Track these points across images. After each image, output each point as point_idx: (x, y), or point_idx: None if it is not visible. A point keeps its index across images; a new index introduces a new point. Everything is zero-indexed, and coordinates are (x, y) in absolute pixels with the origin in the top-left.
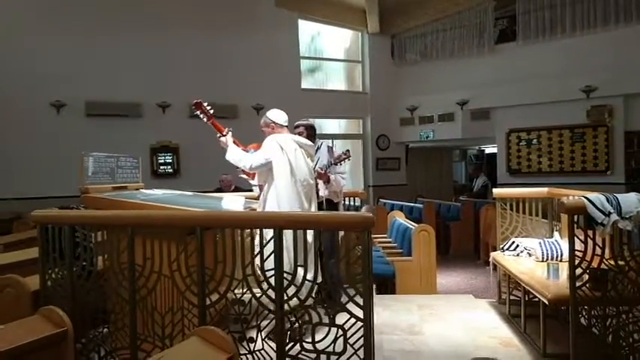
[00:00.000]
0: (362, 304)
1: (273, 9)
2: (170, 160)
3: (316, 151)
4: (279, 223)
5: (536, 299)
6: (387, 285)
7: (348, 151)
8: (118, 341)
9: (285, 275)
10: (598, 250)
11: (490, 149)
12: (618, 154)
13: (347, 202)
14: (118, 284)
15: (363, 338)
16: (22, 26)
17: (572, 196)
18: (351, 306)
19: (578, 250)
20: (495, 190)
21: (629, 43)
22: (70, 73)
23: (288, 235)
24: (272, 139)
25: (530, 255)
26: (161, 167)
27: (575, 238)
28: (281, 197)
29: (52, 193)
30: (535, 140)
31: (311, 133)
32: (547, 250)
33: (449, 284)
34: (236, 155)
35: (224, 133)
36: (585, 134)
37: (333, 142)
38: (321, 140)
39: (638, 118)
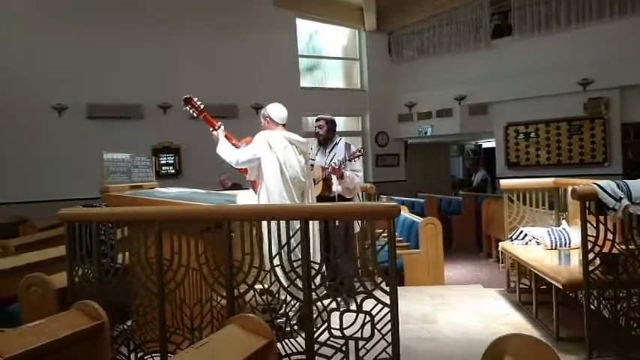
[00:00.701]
0: (388, 290)
1: (271, 8)
2: (172, 161)
3: (334, 146)
4: (308, 214)
5: (547, 286)
6: (395, 277)
7: (362, 148)
8: (147, 334)
9: (312, 265)
10: (609, 235)
11: (487, 144)
12: (615, 145)
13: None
14: (146, 279)
15: (390, 323)
16: (22, 29)
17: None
18: (377, 293)
19: (590, 236)
20: (502, 182)
21: (624, 36)
22: (70, 76)
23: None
24: (262, 136)
25: (538, 244)
26: (163, 168)
27: (587, 223)
28: (271, 195)
29: (55, 197)
30: (533, 133)
31: (331, 127)
32: (556, 238)
33: (455, 276)
34: (225, 149)
35: (216, 128)
36: (582, 127)
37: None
38: (340, 137)
39: (634, 109)
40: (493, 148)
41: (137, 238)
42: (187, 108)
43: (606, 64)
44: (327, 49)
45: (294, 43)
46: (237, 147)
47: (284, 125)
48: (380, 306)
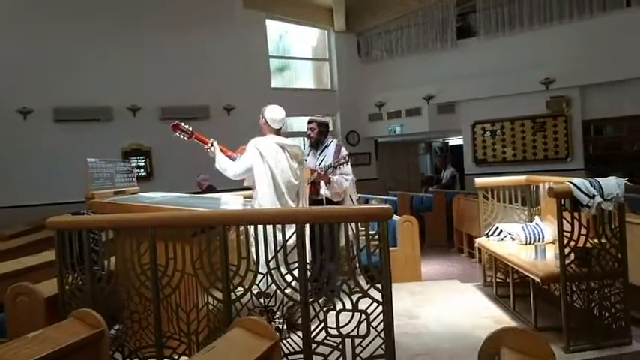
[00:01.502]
0: (382, 289)
1: (241, 10)
2: (143, 164)
3: (324, 149)
4: (304, 218)
5: (524, 279)
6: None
7: (349, 154)
8: (143, 340)
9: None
10: (583, 230)
11: (454, 141)
12: (577, 141)
13: None
14: (140, 284)
15: (384, 321)
16: None
17: (550, 182)
18: (372, 291)
19: (566, 231)
20: (477, 180)
21: (584, 37)
22: (36, 78)
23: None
24: (252, 145)
25: (513, 239)
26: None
27: (563, 220)
28: (264, 201)
29: (23, 202)
30: (499, 131)
31: (323, 130)
32: (530, 234)
33: (429, 272)
34: (222, 164)
35: (209, 146)
36: (546, 124)
37: (304, 139)
38: (332, 138)
39: (594, 107)
40: (460, 146)
41: (130, 245)
42: (177, 134)
43: (567, 64)
44: (296, 50)
45: (265, 43)
46: (233, 159)
47: (278, 130)
48: (374, 304)
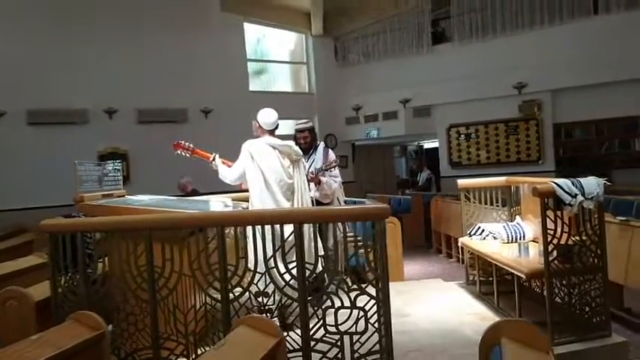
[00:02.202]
0: (380, 286)
1: (219, 13)
2: (119, 167)
3: (313, 151)
4: (301, 218)
5: (504, 278)
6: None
7: (338, 158)
8: (139, 342)
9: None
10: (565, 228)
11: (428, 144)
12: (548, 144)
13: None
14: (137, 286)
15: (382, 317)
16: None
17: (529, 182)
18: (370, 289)
19: (549, 229)
20: (459, 181)
21: (554, 43)
22: (9, 80)
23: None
24: (244, 148)
25: (495, 238)
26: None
27: (547, 218)
28: (254, 203)
29: None
30: (473, 134)
31: (314, 135)
32: (511, 233)
33: (410, 272)
34: (222, 173)
35: (211, 160)
36: (518, 127)
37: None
38: (321, 142)
39: (564, 111)
40: (434, 149)
41: (127, 247)
42: (179, 152)
43: (538, 69)
44: (274, 53)
45: (243, 47)
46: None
47: (272, 131)
48: (372, 301)
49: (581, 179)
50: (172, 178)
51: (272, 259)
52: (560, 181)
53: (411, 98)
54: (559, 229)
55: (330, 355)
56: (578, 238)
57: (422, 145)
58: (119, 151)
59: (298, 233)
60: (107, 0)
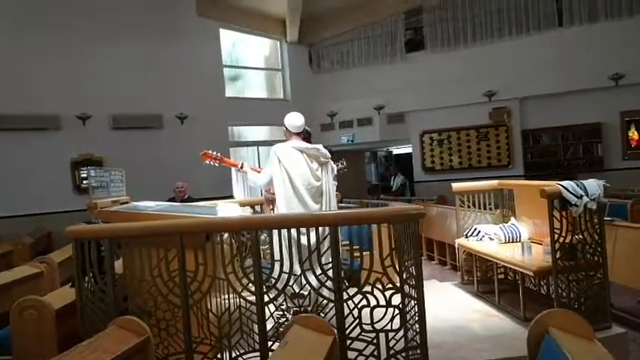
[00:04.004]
0: (415, 284)
1: (194, 18)
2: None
3: None
4: (335, 221)
5: (505, 275)
6: (351, 278)
7: (343, 161)
8: (171, 347)
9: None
10: (569, 227)
11: (398, 150)
12: (517, 150)
13: None
14: (168, 291)
15: (417, 314)
16: None
17: (519, 186)
18: (406, 287)
19: (556, 228)
20: (454, 185)
21: (522, 53)
22: None
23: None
24: (272, 151)
25: (491, 239)
26: (84, 182)
27: (553, 218)
28: (280, 206)
29: None
30: (446, 140)
31: (307, 137)
32: (508, 233)
33: None
34: (252, 179)
35: (239, 167)
36: (489, 133)
37: (258, 148)
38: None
39: (532, 117)
40: (404, 154)
41: (157, 253)
42: (208, 162)
43: (507, 78)
44: (249, 60)
45: (219, 52)
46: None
47: (299, 134)
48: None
49: (583, 181)
50: (149, 185)
51: (307, 260)
52: (566, 183)
53: (385, 105)
54: (564, 229)
55: (367, 352)
56: (581, 236)
57: (391, 151)
58: (94, 157)
59: (333, 236)
60: (82, 4)
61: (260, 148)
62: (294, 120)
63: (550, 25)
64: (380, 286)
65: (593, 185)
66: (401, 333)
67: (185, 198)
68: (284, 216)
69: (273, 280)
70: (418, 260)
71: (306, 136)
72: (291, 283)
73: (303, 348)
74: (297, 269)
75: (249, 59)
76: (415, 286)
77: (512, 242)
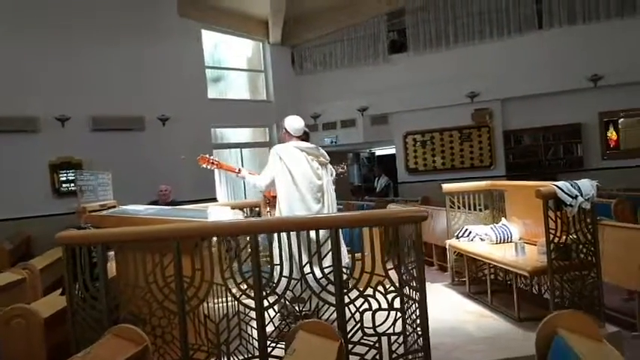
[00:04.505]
0: (418, 286)
1: (176, 18)
2: (73, 178)
3: None
4: (336, 223)
5: (498, 276)
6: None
7: (345, 165)
8: (167, 355)
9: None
10: (564, 227)
11: (380, 151)
12: (499, 150)
13: None
14: (164, 298)
15: (420, 317)
16: None
17: (508, 186)
18: (408, 290)
19: (551, 229)
20: (444, 186)
21: (503, 54)
22: None
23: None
24: (273, 151)
25: (482, 239)
26: (63, 185)
27: (549, 218)
28: (282, 206)
29: None
30: (429, 141)
31: (305, 138)
32: (499, 234)
33: None
34: (251, 181)
35: (237, 172)
36: (471, 134)
37: (241, 151)
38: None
39: (513, 118)
40: (387, 155)
41: (152, 258)
42: (205, 166)
43: (489, 79)
44: (231, 61)
45: (201, 54)
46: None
47: (299, 137)
48: (410, 301)
49: (577, 181)
50: (130, 188)
51: (308, 264)
52: (560, 183)
53: (369, 106)
54: (559, 229)
55: (368, 357)
56: (575, 236)
57: (374, 152)
58: (73, 160)
59: (335, 238)
60: (60, 4)
61: (243, 150)
62: (295, 123)
63: (530, 28)
64: (382, 289)
65: (587, 185)
66: (403, 336)
67: (169, 201)
68: (285, 219)
69: (273, 285)
70: (420, 262)
71: (304, 137)
72: (291, 287)
73: (312, 355)
74: (297, 273)
75: (231, 60)
76: (418, 288)
77: (504, 242)
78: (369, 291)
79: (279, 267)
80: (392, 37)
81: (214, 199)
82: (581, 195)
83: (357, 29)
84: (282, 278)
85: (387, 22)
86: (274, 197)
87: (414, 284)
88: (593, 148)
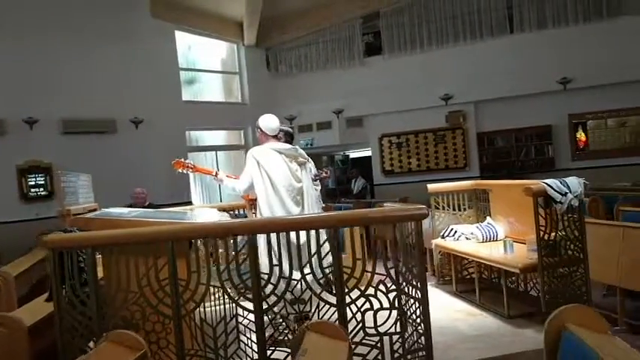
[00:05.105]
0: (419, 285)
1: (149, 19)
2: (42, 182)
3: None
4: (336, 222)
5: (483, 274)
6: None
7: (328, 169)
8: None
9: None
10: (553, 224)
11: (354, 154)
12: (473, 152)
13: None
14: (158, 302)
15: (422, 315)
16: None
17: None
18: (409, 289)
19: (541, 226)
20: (429, 186)
21: (476, 58)
22: None
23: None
24: (249, 155)
25: (467, 238)
26: (32, 190)
27: (539, 216)
28: (263, 210)
29: None
30: (404, 143)
31: (288, 139)
32: (485, 233)
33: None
34: (230, 185)
35: (214, 175)
36: (446, 136)
37: (217, 153)
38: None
39: (486, 121)
40: (361, 158)
41: (145, 261)
42: (180, 171)
43: (463, 82)
44: (205, 62)
45: (174, 55)
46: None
47: (276, 136)
48: (412, 300)
49: (565, 179)
50: (103, 192)
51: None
52: (550, 181)
53: (344, 109)
54: (548, 226)
55: (370, 357)
56: (563, 233)
57: (348, 155)
58: (42, 164)
59: (333, 237)
60: (31, 3)
61: (218, 152)
62: (270, 122)
63: (502, 32)
64: (383, 288)
65: (575, 183)
66: (405, 335)
67: (146, 204)
68: (285, 218)
69: (272, 286)
70: (422, 261)
71: (287, 138)
72: (290, 289)
73: (324, 355)
74: (297, 274)
75: (205, 62)
76: (419, 287)
77: (490, 241)
78: (371, 290)
79: (276, 268)
80: (367, 39)
81: (189, 203)
82: (570, 192)
83: (332, 32)
84: (281, 280)
85: (362, 24)
86: (253, 200)
87: (415, 282)
88: (563, 149)
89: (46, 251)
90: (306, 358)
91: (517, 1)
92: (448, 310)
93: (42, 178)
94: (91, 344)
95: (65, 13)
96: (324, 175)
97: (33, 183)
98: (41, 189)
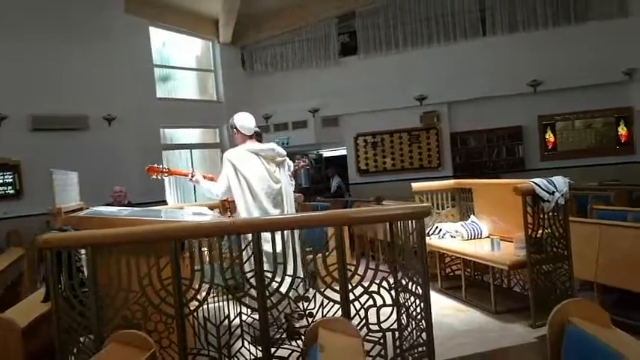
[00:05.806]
0: (421, 282)
1: (123, 16)
2: (10, 180)
3: None
4: (342, 221)
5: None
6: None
7: (305, 159)
8: None
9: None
10: (540, 222)
11: (327, 153)
12: (446, 152)
13: None
14: (160, 301)
15: (423, 312)
16: None
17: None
18: (411, 285)
19: (530, 223)
20: (414, 185)
21: (449, 59)
22: None
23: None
24: (225, 158)
25: (452, 237)
26: (1, 188)
27: (527, 214)
28: (242, 214)
29: None
30: (379, 143)
31: (260, 139)
32: (470, 231)
33: None
34: (205, 187)
35: (190, 177)
36: (420, 136)
37: (191, 152)
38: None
39: (459, 121)
40: (334, 157)
41: (147, 260)
42: (155, 176)
43: (436, 83)
44: (180, 59)
45: (149, 52)
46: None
47: (251, 136)
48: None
49: (552, 178)
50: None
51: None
52: (537, 180)
53: (320, 108)
54: (535, 224)
55: (373, 353)
56: (549, 230)
57: (321, 154)
58: (10, 162)
59: (339, 236)
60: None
61: (193, 151)
62: (247, 121)
63: (475, 34)
64: (386, 285)
65: (561, 182)
66: (407, 332)
67: (125, 203)
68: (286, 217)
69: (276, 285)
70: (424, 258)
71: (259, 138)
72: (295, 286)
73: (342, 353)
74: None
75: (180, 59)
76: (421, 284)
77: (475, 239)
78: (374, 287)
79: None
80: (343, 39)
81: (164, 202)
82: (557, 191)
83: (308, 31)
84: (286, 277)
85: (338, 24)
86: (232, 202)
87: (417, 279)
88: (533, 149)
89: (20, 251)
90: (325, 353)
91: (489, 3)
92: (435, 307)
93: (10, 176)
94: (89, 343)
95: (36, 8)
96: (302, 164)
97: (0, 181)
98: (9, 187)
